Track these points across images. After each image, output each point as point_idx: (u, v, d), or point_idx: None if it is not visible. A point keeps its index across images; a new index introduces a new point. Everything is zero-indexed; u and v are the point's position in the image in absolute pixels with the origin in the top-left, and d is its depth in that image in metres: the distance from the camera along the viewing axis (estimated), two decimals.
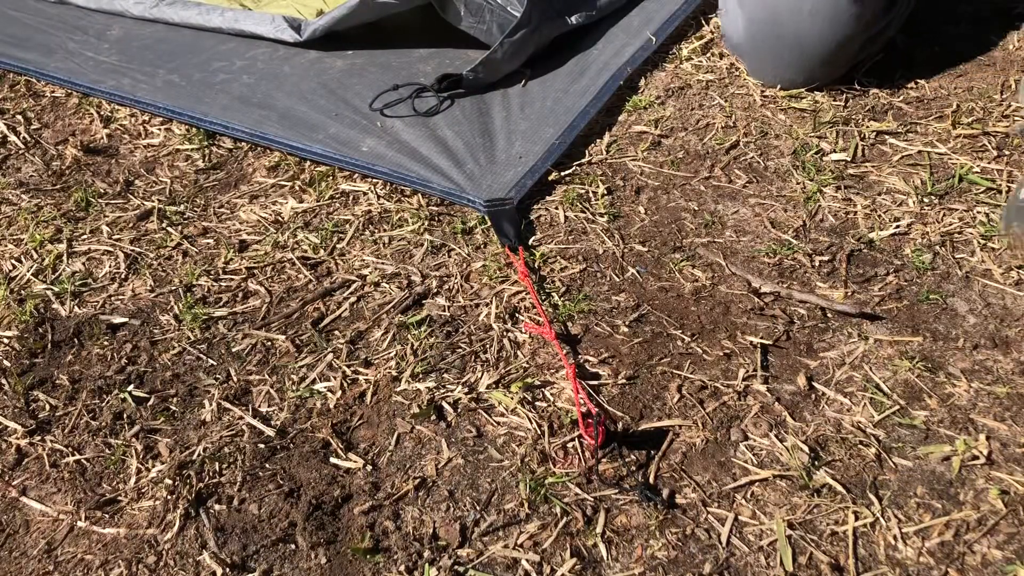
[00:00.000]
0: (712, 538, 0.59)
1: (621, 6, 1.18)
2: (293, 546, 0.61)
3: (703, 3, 1.20)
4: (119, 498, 0.65)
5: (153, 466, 0.67)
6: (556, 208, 0.89)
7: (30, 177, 1.00)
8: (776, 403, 0.68)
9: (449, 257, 0.84)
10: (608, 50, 1.11)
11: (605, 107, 1.03)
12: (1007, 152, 0.90)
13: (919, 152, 0.92)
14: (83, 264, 0.87)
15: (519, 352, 0.73)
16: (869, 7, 0.93)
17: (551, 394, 0.70)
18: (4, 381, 0.75)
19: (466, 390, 0.70)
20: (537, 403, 0.69)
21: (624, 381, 0.70)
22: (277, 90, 1.07)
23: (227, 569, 0.59)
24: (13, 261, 0.87)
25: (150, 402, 0.72)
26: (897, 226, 0.83)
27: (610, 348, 0.73)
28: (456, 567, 0.59)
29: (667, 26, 1.15)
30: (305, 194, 0.94)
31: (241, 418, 0.70)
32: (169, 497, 0.64)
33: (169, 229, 0.90)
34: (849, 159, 0.91)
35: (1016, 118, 0.94)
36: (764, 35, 0.98)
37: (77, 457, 0.68)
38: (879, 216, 0.84)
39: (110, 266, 0.86)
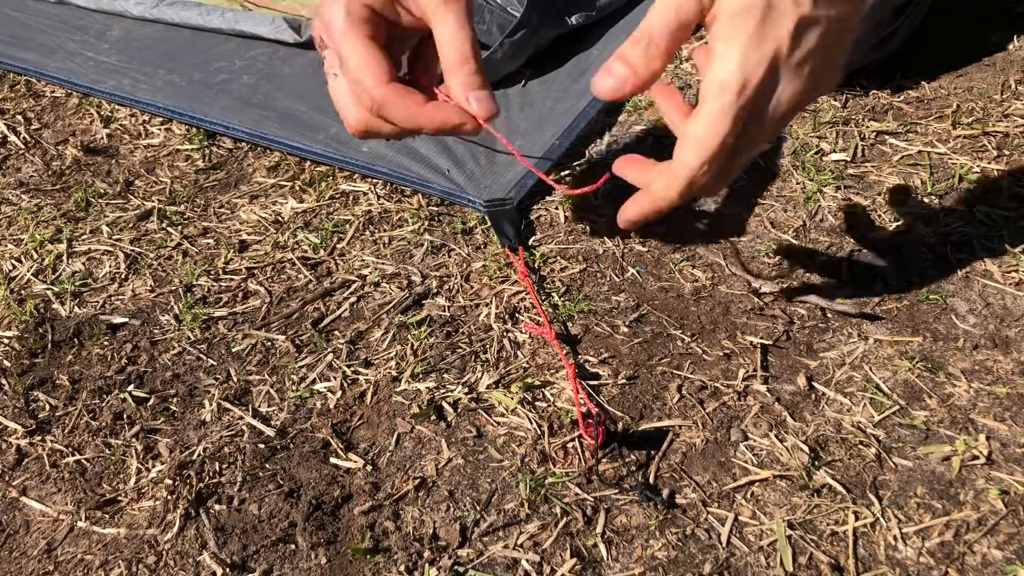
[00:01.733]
0: (712, 538, 0.59)
1: (621, 7, 1.18)
2: (293, 546, 0.61)
3: None
4: (119, 498, 0.65)
5: (153, 466, 0.67)
6: (556, 208, 0.89)
7: (30, 177, 1.00)
8: (776, 403, 0.68)
9: (449, 257, 0.84)
10: (608, 51, 1.11)
11: (605, 107, 1.03)
12: (1007, 152, 0.90)
13: (919, 152, 0.92)
14: (83, 264, 0.87)
15: (519, 352, 0.73)
16: (870, 17, 0.93)
17: (551, 394, 0.70)
18: (4, 381, 0.75)
19: (466, 390, 0.70)
20: (537, 403, 0.69)
21: (624, 381, 0.70)
22: (277, 90, 1.07)
23: (227, 569, 0.59)
24: (13, 261, 0.87)
25: (150, 402, 0.72)
26: (897, 226, 0.82)
27: (610, 348, 0.73)
28: (456, 567, 0.59)
29: None
30: (305, 194, 0.94)
31: (241, 418, 0.70)
32: (169, 497, 0.64)
33: (169, 229, 0.90)
34: (849, 159, 0.91)
35: (1016, 118, 0.94)
36: None
37: (77, 457, 0.68)
38: (879, 216, 0.84)
39: (110, 266, 0.86)
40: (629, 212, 0.59)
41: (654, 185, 0.56)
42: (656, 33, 0.53)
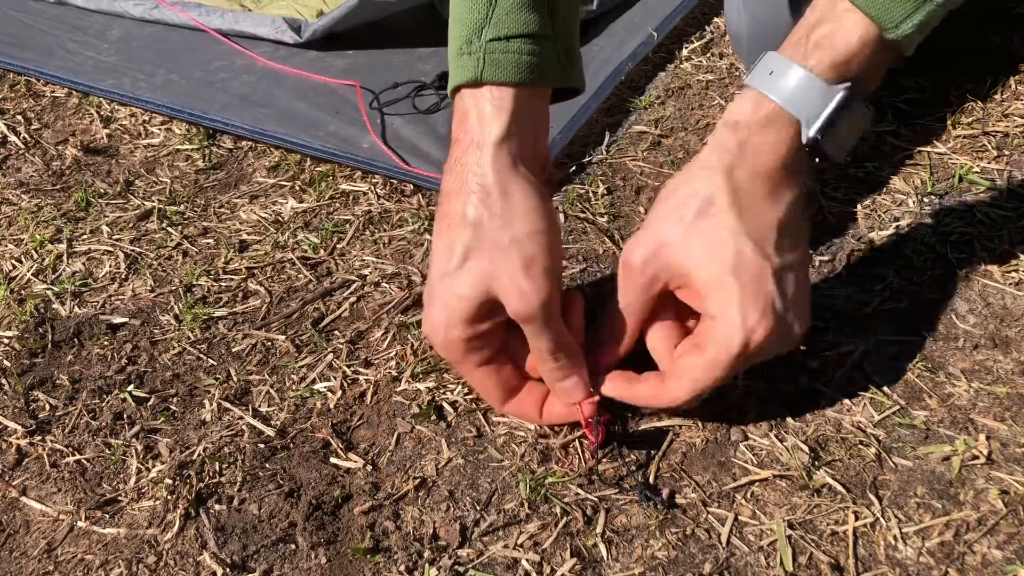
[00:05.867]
0: (712, 538, 0.59)
1: (621, 2, 1.18)
2: (293, 546, 0.61)
3: (703, 2, 1.20)
4: (119, 498, 0.65)
5: (153, 466, 0.67)
6: (556, 208, 0.89)
7: (30, 177, 1.00)
8: (776, 403, 0.68)
9: None
10: (609, 46, 1.11)
11: (605, 107, 1.03)
12: (1007, 152, 0.90)
13: (919, 152, 0.92)
14: (83, 264, 0.87)
15: None
16: None
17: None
18: (4, 381, 0.75)
19: (466, 390, 0.70)
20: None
21: None
22: (277, 88, 1.07)
23: (227, 569, 0.59)
24: (13, 261, 0.87)
25: (150, 402, 0.72)
26: (897, 226, 0.82)
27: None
28: (456, 567, 0.59)
29: (668, 22, 1.15)
30: (305, 194, 0.94)
31: (241, 418, 0.70)
32: (169, 497, 0.64)
33: (169, 229, 0.90)
34: (849, 159, 0.91)
35: (1016, 118, 0.94)
36: (767, 36, 0.98)
37: (77, 457, 0.68)
38: (879, 216, 0.84)
39: (110, 266, 0.86)
40: (610, 389, 0.65)
41: (638, 391, 0.63)
42: (618, 317, 0.63)
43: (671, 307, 0.63)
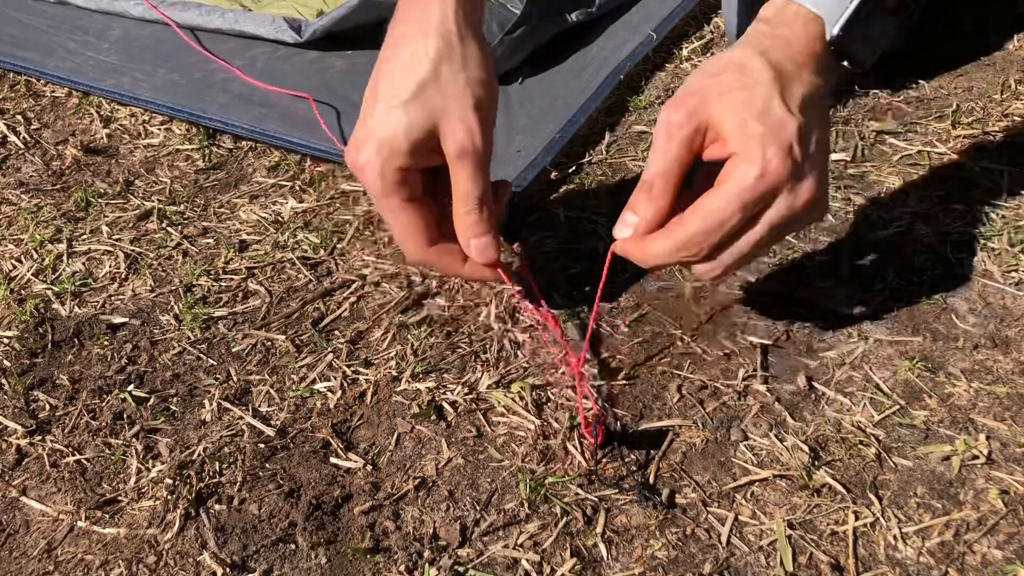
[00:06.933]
0: (712, 538, 0.59)
1: (621, 3, 1.18)
2: (293, 546, 0.61)
3: (703, 2, 1.20)
4: (119, 498, 0.65)
5: (153, 466, 0.67)
6: (556, 208, 0.89)
7: (30, 177, 1.00)
8: (776, 403, 0.68)
9: None
10: (608, 47, 1.11)
11: (605, 107, 1.02)
12: (1007, 152, 0.90)
13: (919, 152, 0.92)
14: (83, 264, 0.87)
15: (519, 352, 0.73)
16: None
17: (551, 394, 0.70)
18: (4, 381, 0.75)
19: (466, 390, 0.70)
20: (537, 403, 0.69)
21: (624, 381, 0.70)
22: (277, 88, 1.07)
23: (227, 569, 0.59)
24: (13, 261, 0.87)
25: (150, 402, 0.72)
26: (897, 226, 0.82)
27: (610, 348, 0.73)
28: (456, 567, 0.59)
29: (667, 23, 1.15)
30: (305, 194, 0.94)
31: (241, 418, 0.70)
32: (169, 497, 0.64)
33: (169, 229, 0.90)
34: (849, 159, 0.91)
35: (1016, 118, 0.94)
36: None
37: (77, 457, 0.68)
38: (879, 216, 0.84)
39: (110, 266, 0.86)
40: (621, 248, 0.64)
41: (652, 245, 0.61)
42: (657, 181, 0.61)
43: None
